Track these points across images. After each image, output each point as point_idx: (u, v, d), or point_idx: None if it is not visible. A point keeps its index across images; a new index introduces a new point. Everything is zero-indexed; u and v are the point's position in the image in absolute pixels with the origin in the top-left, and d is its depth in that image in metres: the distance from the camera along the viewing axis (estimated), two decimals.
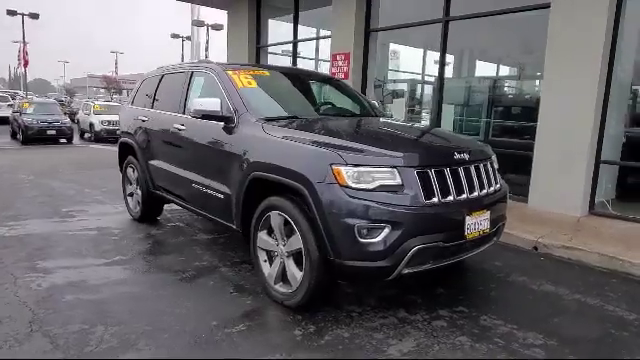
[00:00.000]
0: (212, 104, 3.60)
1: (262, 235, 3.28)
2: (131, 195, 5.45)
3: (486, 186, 3.17)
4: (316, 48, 9.86)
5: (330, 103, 4.57)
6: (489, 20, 6.61)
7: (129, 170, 5.36)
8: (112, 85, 53.18)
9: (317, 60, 9.86)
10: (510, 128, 6.86)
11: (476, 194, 3.06)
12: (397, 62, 9.02)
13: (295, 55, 9.84)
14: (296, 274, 3.01)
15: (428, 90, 8.35)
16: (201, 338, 2.71)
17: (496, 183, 3.34)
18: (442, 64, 6.99)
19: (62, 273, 3.67)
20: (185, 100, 4.34)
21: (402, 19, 7.68)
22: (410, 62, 8.96)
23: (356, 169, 2.74)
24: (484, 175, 3.19)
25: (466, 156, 3.08)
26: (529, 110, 6.65)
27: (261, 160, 3.22)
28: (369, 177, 2.73)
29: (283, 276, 3.16)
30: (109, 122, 17.10)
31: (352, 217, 2.69)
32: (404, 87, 8.60)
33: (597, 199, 5.61)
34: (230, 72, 3.96)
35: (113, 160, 5.72)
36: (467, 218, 2.93)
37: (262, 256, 3.33)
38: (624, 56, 5.49)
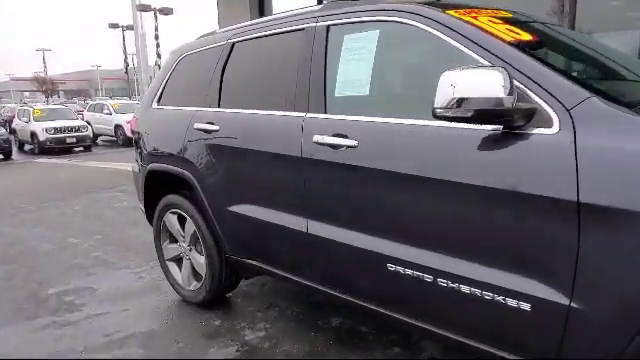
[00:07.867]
0: (492, 84, 1.43)
1: None
2: (178, 260, 3.16)
3: None
4: None
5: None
6: None
7: (171, 218, 3.07)
8: (46, 86, 47.58)
9: None
10: None
11: None
12: None
13: None
14: None
15: None
16: None
17: None
18: None
19: None
20: (325, 87, 2.12)
21: None
22: None
23: None
24: None
25: None
26: None
27: None
28: None
29: None
30: (55, 129, 14.14)
31: None
32: None
33: None
34: (458, 15, 1.79)
35: (81, 179, 3.52)
36: None
37: None
38: None
